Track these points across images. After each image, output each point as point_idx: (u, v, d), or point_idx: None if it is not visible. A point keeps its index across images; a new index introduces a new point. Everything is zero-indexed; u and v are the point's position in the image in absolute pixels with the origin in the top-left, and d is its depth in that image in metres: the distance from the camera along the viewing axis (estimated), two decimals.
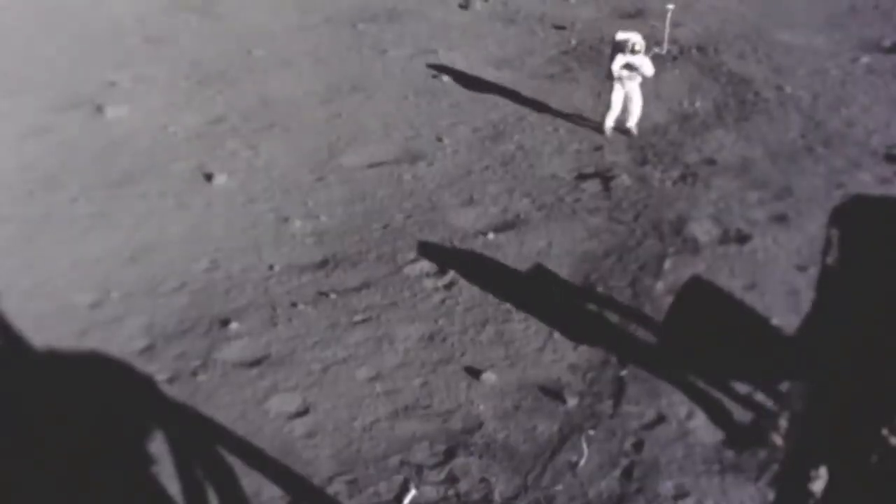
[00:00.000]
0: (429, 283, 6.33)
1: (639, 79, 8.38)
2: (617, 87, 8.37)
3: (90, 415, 5.22)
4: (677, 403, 5.09)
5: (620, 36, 8.30)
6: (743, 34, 10.52)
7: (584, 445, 4.85)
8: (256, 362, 5.64)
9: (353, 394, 5.35)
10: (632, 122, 8.50)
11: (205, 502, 4.64)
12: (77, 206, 7.57)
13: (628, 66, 8.25)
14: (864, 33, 10.29)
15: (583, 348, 5.62)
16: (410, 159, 8.18)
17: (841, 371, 1.87)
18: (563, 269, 6.42)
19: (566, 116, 8.92)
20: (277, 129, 8.88)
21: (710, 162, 7.80)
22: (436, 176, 7.86)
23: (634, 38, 8.20)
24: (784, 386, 4.89)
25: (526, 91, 9.48)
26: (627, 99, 8.43)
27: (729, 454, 4.74)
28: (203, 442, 5.02)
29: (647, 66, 8.37)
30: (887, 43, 9.94)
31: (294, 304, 6.17)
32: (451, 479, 4.70)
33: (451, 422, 5.10)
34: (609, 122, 8.52)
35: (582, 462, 4.75)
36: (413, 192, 7.60)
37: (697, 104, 8.90)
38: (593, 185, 7.55)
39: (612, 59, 8.31)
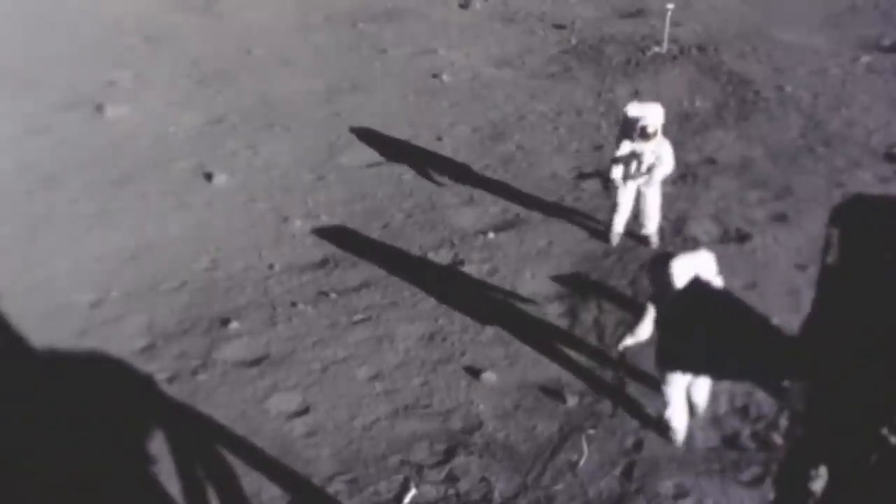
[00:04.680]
0: (428, 282, 6.33)
1: (655, 176, 6.19)
2: (618, 176, 6.28)
3: (90, 414, 5.22)
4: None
5: (633, 111, 6.06)
6: (743, 34, 10.52)
7: (584, 445, 4.85)
8: (256, 362, 5.65)
9: (353, 393, 5.35)
10: (650, 229, 6.54)
11: (205, 502, 4.64)
12: (77, 205, 7.57)
13: (635, 157, 6.11)
14: (864, 33, 10.28)
15: (582, 347, 5.62)
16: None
17: (841, 371, 1.87)
18: (563, 268, 6.42)
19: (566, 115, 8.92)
20: (277, 129, 8.88)
21: (710, 161, 7.79)
22: (436, 175, 7.85)
23: (649, 117, 5.94)
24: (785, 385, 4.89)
25: (526, 90, 9.48)
26: (641, 198, 6.39)
27: (729, 454, 4.75)
28: (203, 442, 5.03)
29: (665, 160, 6.07)
30: (887, 42, 9.94)
31: (294, 304, 6.17)
32: (451, 479, 4.70)
33: (451, 421, 5.10)
34: (617, 227, 6.56)
35: (582, 461, 4.75)
36: (413, 192, 7.60)
37: (697, 104, 8.89)
38: (593, 185, 7.55)
39: (618, 141, 6.23)
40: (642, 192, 6.35)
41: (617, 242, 6.60)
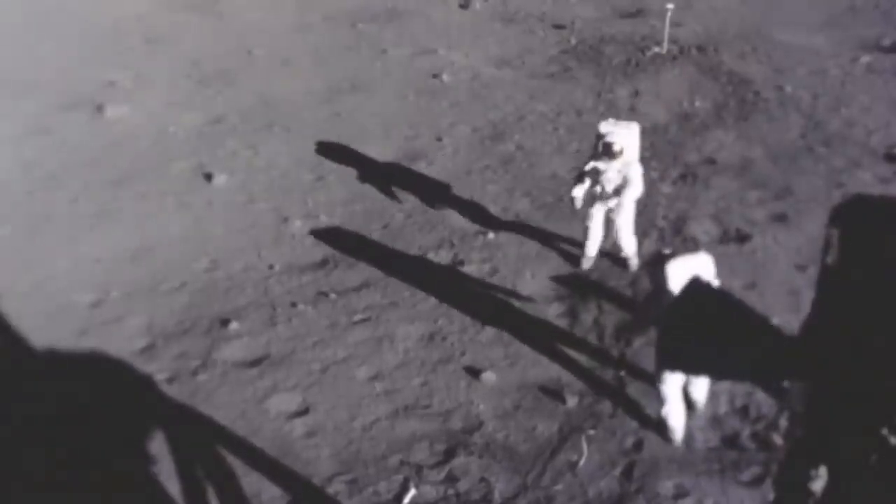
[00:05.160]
0: (428, 283, 6.33)
1: (623, 200, 5.85)
2: (579, 195, 5.90)
3: (90, 414, 5.22)
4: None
5: (604, 128, 5.74)
6: (743, 34, 10.52)
7: (584, 445, 4.85)
8: (256, 362, 5.65)
9: (352, 393, 5.35)
10: (627, 251, 6.22)
11: (205, 502, 4.64)
12: (77, 205, 7.57)
13: (599, 176, 5.82)
14: (864, 33, 10.29)
15: (582, 347, 5.62)
16: (410, 159, 8.18)
17: (841, 371, 1.87)
18: (563, 268, 6.42)
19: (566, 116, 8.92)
20: (277, 129, 8.88)
21: (710, 162, 7.79)
22: (435, 175, 7.86)
23: (616, 134, 5.64)
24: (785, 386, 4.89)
25: (526, 90, 9.48)
26: (610, 223, 6.08)
27: (729, 454, 4.75)
28: (203, 442, 5.03)
29: (634, 182, 5.73)
30: (887, 42, 9.94)
31: (294, 304, 6.17)
32: (451, 479, 4.70)
33: (451, 421, 5.10)
34: (589, 252, 6.25)
35: (582, 462, 4.75)
36: (413, 192, 7.60)
37: (697, 104, 8.89)
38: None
39: (590, 159, 5.94)
40: (611, 217, 6.01)
41: (589, 266, 6.28)
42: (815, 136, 8.08)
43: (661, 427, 4.82)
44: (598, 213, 6.03)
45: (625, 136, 5.67)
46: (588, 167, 5.82)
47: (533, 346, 5.64)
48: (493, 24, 11.55)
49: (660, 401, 4.73)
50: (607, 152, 5.64)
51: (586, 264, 6.30)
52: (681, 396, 4.76)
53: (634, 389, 5.22)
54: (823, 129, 8.19)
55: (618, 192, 5.84)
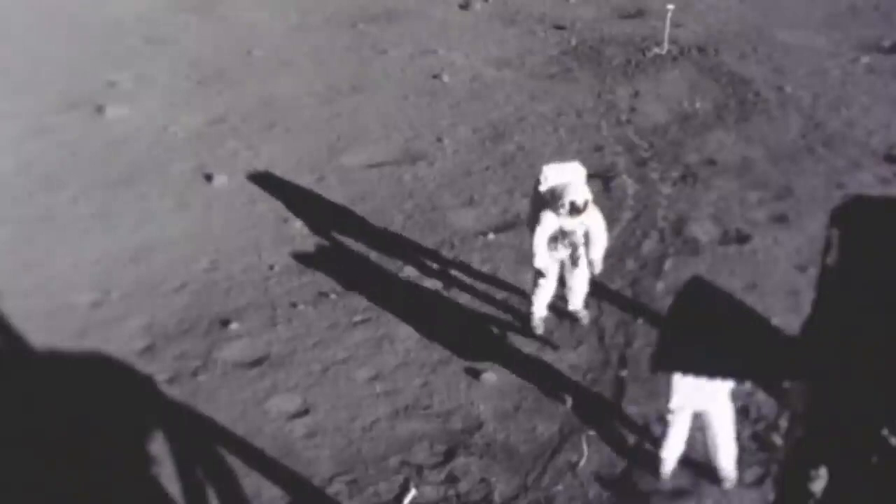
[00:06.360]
0: (428, 284, 6.33)
1: (593, 257, 5.42)
2: (545, 263, 5.37)
3: (90, 414, 5.22)
4: None
5: (551, 178, 5.26)
6: (743, 34, 10.52)
7: (584, 446, 4.85)
8: (256, 362, 5.65)
9: (353, 394, 5.35)
10: (576, 304, 5.74)
11: (205, 503, 4.64)
12: (77, 206, 7.57)
13: (564, 236, 5.27)
14: (864, 33, 10.29)
15: (583, 348, 5.62)
16: (410, 159, 8.18)
17: (841, 371, 1.87)
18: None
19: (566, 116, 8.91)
20: (277, 129, 8.88)
21: (710, 162, 7.79)
22: (436, 176, 7.86)
23: (573, 186, 5.10)
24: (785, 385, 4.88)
25: (526, 91, 9.48)
26: (566, 272, 5.59)
27: None
28: (203, 442, 5.03)
29: (598, 234, 5.30)
30: (887, 43, 9.94)
31: (294, 304, 6.17)
32: (451, 479, 4.70)
33: (451, 422, 5.10)
34: (540, 312, 5.67)
35: (582, 462, 4.75)
36: (413, 193, 7.60)
37: (697, 104, 8.89)
38: (593, 185, 7.52)
39: (534, 208, 5.39)
40: (567, 269, 5.55)
41: (542, 330, 5.70)
42: (815, 136, 8.08)
43: (654, 459, 4.66)
44: (554, 271, 5.50)
45: (582, 186, 5.16)
46: (552, 231, 5.23)
47: (533, 347, 5.64)
48: (493, 25, 11.54)
49: (663, 433, 4.54)
50: (572, 210, 5.08)
51: (539, 328, 5.71)
52: (685, 437, 4.54)
53: (634, 390, 5.22)
54: (823, 129, 8.18)
55: (575, 248, 5.41)
